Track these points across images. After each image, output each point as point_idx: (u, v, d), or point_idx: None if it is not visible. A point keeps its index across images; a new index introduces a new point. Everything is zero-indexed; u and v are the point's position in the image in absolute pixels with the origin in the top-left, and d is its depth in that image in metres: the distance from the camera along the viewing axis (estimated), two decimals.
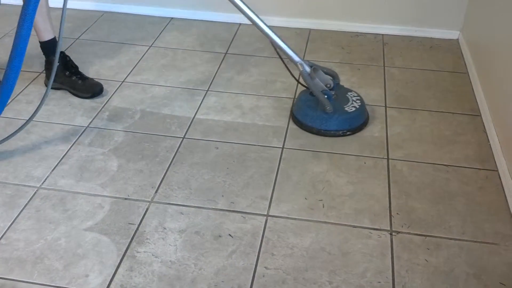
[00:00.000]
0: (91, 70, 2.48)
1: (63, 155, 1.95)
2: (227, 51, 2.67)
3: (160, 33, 2.82)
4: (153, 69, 2.50)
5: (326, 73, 2.11)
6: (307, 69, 2.05)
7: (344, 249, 1.59)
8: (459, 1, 2.68)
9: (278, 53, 2.12)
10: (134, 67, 2.52)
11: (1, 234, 1.63)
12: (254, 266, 1.53)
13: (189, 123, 2.13)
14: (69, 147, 1.99)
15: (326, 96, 2.05)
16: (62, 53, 2.30)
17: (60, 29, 1.81)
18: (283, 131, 2.09)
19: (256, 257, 1.56)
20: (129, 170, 1.88)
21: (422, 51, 2.68)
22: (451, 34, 2.79)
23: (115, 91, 2.33)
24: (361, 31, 2.85)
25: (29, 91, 2.31)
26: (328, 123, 2.05)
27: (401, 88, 2.37)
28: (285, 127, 2.11)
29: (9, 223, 1.66)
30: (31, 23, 1.70)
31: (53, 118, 2.14)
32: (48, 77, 2.32)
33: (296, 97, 2.25)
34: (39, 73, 2.44)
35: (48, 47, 2.27)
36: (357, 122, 2.09)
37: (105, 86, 2.34)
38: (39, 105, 1.88)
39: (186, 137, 2.05)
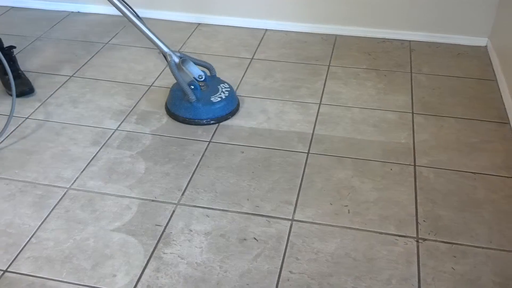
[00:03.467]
0: (119, 74, 2.52)
1: (92, 157, 1.98)
2: (252, 56, 2.69)
3: (187, 39, 2.86)
4: None
5: (201, 66, 2.23)
6: (176, 60, 2.13)
7: (369, 255, 1.59)
8: (487, 7, 2.66)
9: (157, 46, 2.17)
10: (162, 71, 2.55)
11: (32, 233, 1.66)
12: (279, 270, 1.54)
13: (215, 128, 2.15)
14: (98, 149, 2.02)
15: (192, 87, 2.14)
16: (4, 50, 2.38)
17: None
18: (308, 136, 2.09)
19: (281, 261, 1.57)
20: (156, 173, 1.90)
21: (450, 58, 2.66)
22: (479, 41, 2.76)
23: (143, 95, 2.36)
24: (388, 37, 2.84)
25: (59, 94, 2.36)
26: (192, 112, 2.14)
27: (428, 95, 2.36)
28: (310, 133, 2.11)
29: (39, 223, 1.70)
30: None
31: (82, 121, 2.18)
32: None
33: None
34: (69, 77, 2.49)
35: None
36: (222, 112, 2.17)
37: (132, 91, 2.38)
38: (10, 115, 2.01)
39: (212, 141, 2.07)
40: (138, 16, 2.17)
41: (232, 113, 2.21)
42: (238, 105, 2.26)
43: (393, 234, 1.65)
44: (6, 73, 2.34)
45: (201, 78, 2.19)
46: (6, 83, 2.36)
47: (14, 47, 2.41)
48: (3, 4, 3.20)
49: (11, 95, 2.32)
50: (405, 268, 1.54)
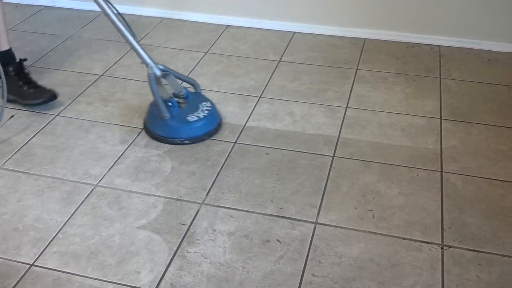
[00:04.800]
0: None
1: (120, 155, 2.01)
2: (280, 59, 2.70)
3: (215, 40, 2.88)
4: (208, 75, 2.55)
5: (185, 81, 2.16)
6: (157, 72, 2.04)
7: (394, 261, 1.57)
8: None
9: (135, 50, 2.08)
10: (190, 72, 2.57)
11: (59, 229, 1.69)
12: (301, 273, 1.54)
13: (241, 129, 2.16)
14: (126, 147, 2.05)
15: (170, 104, 2.05)
16: (19, 62, 2.29)
17: None
18: (334, 139, 2.09)
19: (304, 263, 1.57)
20: (182, 172, 1.92)
21: (480, 64, 2.62)
22: (510, 47, 2.71)
23: None
24: (417, 42, 2.81)
25: (89, 93, 2.40)
26: (166, 130, 2.06)
27: (457, 100, 2.33)
28: (336, 136, 2.10)
29: (67, 218, 1.73)
30: None
31: (112, 119, 2.21)
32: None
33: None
34: (99, 76, 2.53)
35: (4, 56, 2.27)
36: (198, 132, 2.07)
37: None
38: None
39: (237, 142, 2.08)
40: (123, 19, 2.09)
41: (209, 134, 2.09)
42: (219, 126, 2.14)
43: (418, 240, 1.64)
44: (26, 83, 2.28)
45: (183, 94, 2.11)
46: (26, 95, 2.27)
47: (25, 60, 2.35)
48: (36, 3, 3.27)
49: (33, 104, 2.26)
50: (429, 275, 1.52)
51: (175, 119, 2.06)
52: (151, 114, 2.13)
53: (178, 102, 2.10)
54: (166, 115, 2.03)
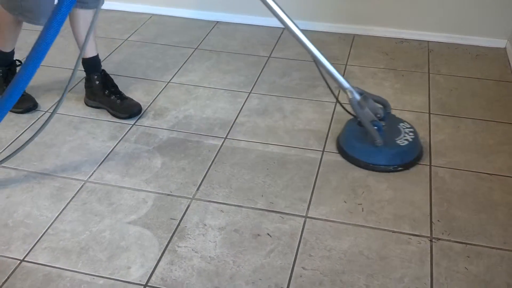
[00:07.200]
0: (138, 70, 2.55)
1: (109, 151, 2.01)
2: (270, 54, 2.70)
3: (205, 36, 2.88)
4: (198, 71, 2.55)
5: (376, 101, 1.94)
6: (357, 97, 1.88)
7: (383, 253, 1.59)
8: (506, 9, 2.64)
9: (321, 74, 1.99)
10: (180, 68, 2.57)
11: (49, 225, 1.69)
12: (291, 266, 1.55)
13: (231, 124, 2.16)
14: (116, 143, 2.05)
15: (376, 128, 1.89)
16: (103, 71, 2.24)
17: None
18: (324, 135, 2.10)
19: (294, 257, 1.58)
20: (172, 168, 1.92)
21: (468, 59, 2.64)
22: (498, 42, 2.74)
23: (161, 91, 2.38)
24: (406, 38, 2.83)
25: (78, 89, 2.38)
26: (378, 157, 1.90)
27: (445, 95, 2.35)
28: (325, 131, 2.11)
29: (57, 214, 1.73)
30: (60, 26, 1.62)
31: (101, 116, 2.21)
32: (88, 96, 2.27)
33: (344, 126, 2.08)
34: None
35: (90, 64, 2.23)
36: (410, 157, 1.93)
37: (151, 87, 2.41)
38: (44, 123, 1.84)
39: (228, 137, 2.09)
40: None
41: (418, 158, 1.95)
42: (421, 148, 2.00)
43: (407, 233, 1.65)
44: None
45: (379, 116, 1.91)
46: None
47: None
48: None
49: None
50: (418, 267, 1.54)
51: (387, 145, 1.90)
52: (354, 139, 1.96)
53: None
54: (380, 141, 1.88)
